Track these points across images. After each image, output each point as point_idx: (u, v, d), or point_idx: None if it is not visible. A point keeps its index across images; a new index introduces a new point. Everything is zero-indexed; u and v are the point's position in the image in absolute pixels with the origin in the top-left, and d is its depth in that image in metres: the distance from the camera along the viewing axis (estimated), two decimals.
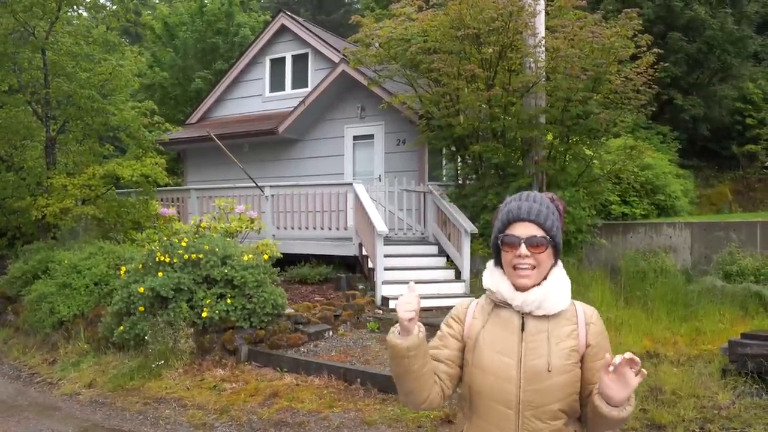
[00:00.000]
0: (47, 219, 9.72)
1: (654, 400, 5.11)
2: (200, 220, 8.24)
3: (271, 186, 10.73)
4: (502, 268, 1.92)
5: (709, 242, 9.20)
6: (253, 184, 10.70)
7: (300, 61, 14.06)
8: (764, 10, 17.54)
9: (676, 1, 15.41)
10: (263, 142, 13.36)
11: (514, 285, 1.87)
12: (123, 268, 7.69)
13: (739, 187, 16.36)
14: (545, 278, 1.88)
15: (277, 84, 14.38)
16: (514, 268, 1.85)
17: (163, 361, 6.72)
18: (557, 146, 9.72)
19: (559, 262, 1.94)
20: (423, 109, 10.23)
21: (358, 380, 5.99)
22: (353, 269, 9.80)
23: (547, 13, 9.63)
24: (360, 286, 9.06)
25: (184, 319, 6.89)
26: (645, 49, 9.29)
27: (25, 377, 7.47)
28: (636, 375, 1.65)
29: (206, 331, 7.02)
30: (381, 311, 8.24)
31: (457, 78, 9.36)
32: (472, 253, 8.94)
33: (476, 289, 8.40)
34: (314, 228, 10.22)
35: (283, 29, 14.18)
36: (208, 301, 6.91)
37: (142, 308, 6.97)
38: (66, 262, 8.46)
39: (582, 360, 1.85)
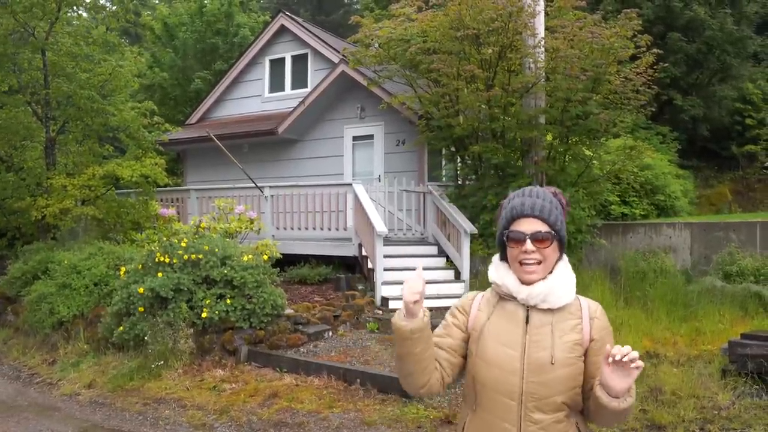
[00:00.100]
0: (47, 219, 9.72)
1: (654, 401, 5.11)
2: (200, 221, 8.24)
3: (270, 186, 10.73)
4: (507, 262, 1.95)
5: (708, 242, 9.20)
6: (253, 185, 10.70)
7: (299, 61, 14.06)
8: (764, 11, 17.55)
9: (675, 1, 15.41)
10: (263, 143, 13.37)
11: (520, 280, 1.90)
12: (123, 269, 7.69)
13: (739, 187, 16.36)
14: (551, 272, 1.90)
15: (276, 84, 14.39)
16: (520, 263, 1.88)
17: (162, 362, 6.72)
18: (557, 147, 9.72)
19: (565, 257, 1.97)
20: (422, 109, 10.23)
21: (358, 381, 5.99)
22: (353, 270, 9.79)
23: (546, 14, 9.63)
24: (359, 287, 9.06)
25: (184, 320, 6.89)
26: (644, 49, 9.28)
27: (24, 377, 7.47)
28: (634, 368, 1.68)
29: (206, 332, 7.02)
30: (381, 312, 8.24)
31: (456, 78, 9.36)
32: (471, 254, 8.95)
33: (476, 289, 8.36)
34: (314, 228, 10.22)
35: (283, 30, 14.19)
36: (207, 302, 6.91)
37: (141, 309, 6.97)
38: (66, 262, 8.46)
39: (585, 354, 1.88)
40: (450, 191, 10.31)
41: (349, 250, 9.67)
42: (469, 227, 8.95)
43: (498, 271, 1.96)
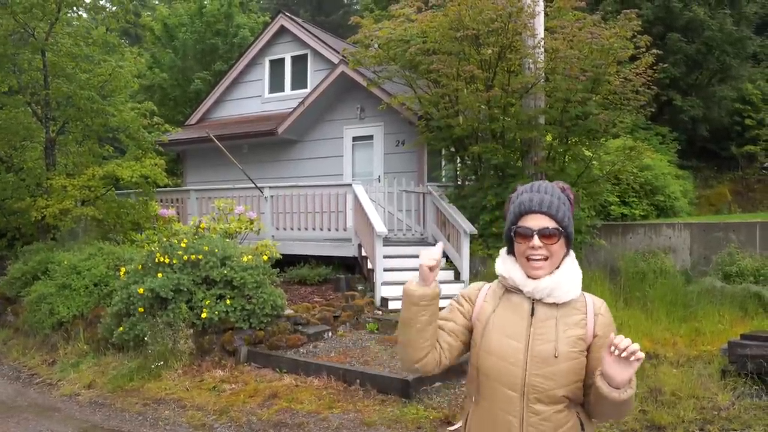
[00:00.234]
0: (47, 220, 9.72)
1: (654, 401, 5.12)
2: (200, 221, 8.24)
3: (270, 187, 10.74)
4: (514, 255, 1.97)
5: (708, 243, 9.20)
6: (253, 185, 10.70)
7: (299, 62, 14.07)
8: (763, 11, 17.58)
9: (675, 2, 15.43)
10: (262, 143, 13.37)
11: (527, 275, 1.92)
12: (122, 269, 7.70)
13: (739, 187, 16.38)
14: (557, 267, 1.93)
15: (276, 85, 14.39)
16: (528, 259, 1.90)
17: (162, 362, 6.72)
18: (556, 147, 9.72)
19: (571, 252, 1.99)
20: (422, 110, 10.22)
21: (358, 381, 5.99)
22: (352, 270, 9.80)
23: (546, 14, 9.63)
24: (359, 287, 9.06)
25: (184, 320, 6.89)
26: (644, 49, 9.29)
27: (24, 378, 7.47)
28: (635, 360, 1.70)
29: (205, 332, 7.02)
30: (380, 312, 8.25)
31: (456, 79, 9.37)
32: (471, 254, 8.95)
33: None
34: (313, 229, 10.22)
35: (283, 30, 14.19)
36: (207, 302, 6.91)
37: (141, 309, 6.97)
38: (65, 263, 8.46)
39: (588, 350, 1.90)
40: (450, 192, 10.31)
41: (348, 251, 9.68)
42: (469, 228, 8.95)
43: (505, 264, 1.98)
